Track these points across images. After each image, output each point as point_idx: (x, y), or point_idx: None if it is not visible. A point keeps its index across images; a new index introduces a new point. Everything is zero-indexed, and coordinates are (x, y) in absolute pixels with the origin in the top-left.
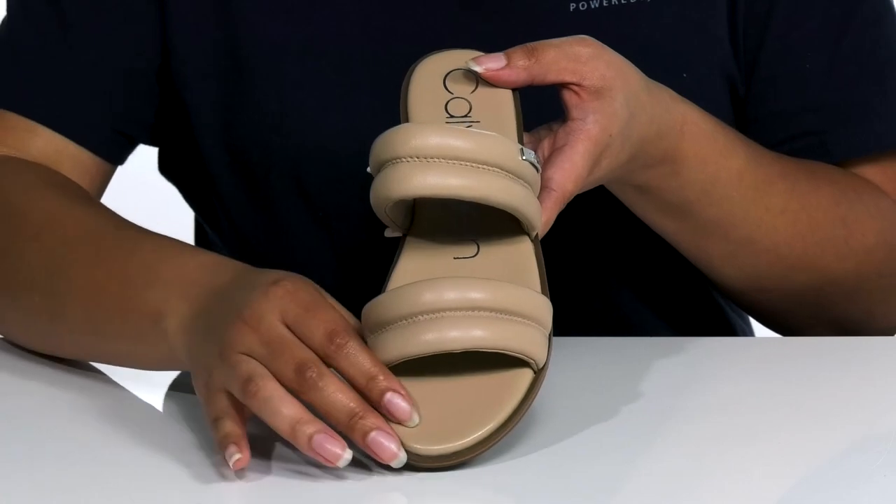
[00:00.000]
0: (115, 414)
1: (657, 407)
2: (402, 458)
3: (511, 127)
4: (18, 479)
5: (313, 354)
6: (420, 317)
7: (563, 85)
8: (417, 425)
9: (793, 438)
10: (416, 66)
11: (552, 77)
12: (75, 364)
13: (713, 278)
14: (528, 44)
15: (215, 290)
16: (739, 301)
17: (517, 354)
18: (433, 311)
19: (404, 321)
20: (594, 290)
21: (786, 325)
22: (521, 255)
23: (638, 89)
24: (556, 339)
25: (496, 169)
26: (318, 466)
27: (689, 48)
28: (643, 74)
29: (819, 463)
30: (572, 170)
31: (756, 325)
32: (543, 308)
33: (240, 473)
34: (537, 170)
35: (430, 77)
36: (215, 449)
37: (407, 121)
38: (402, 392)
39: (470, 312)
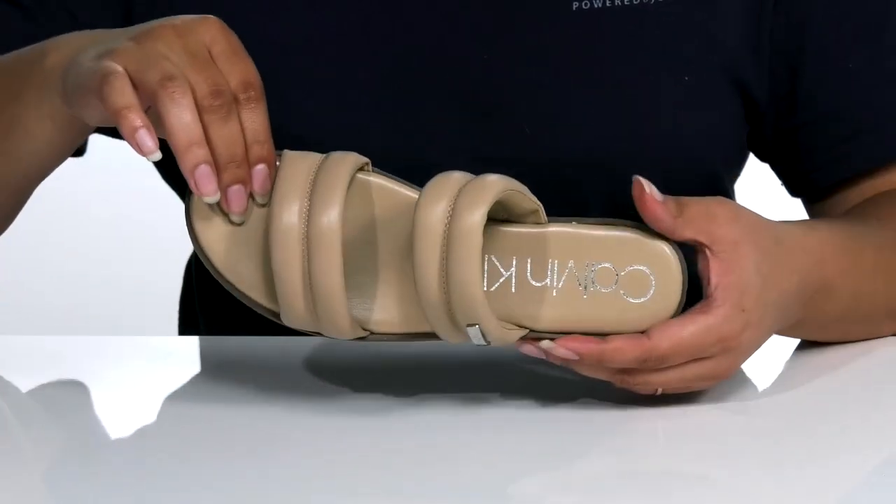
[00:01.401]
0: (109, 420)
1: (657, 406)
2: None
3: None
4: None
5: (230, 90)
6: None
7: (698, 247)
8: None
9: (793, 438)
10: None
11: (688, 234)
12: (71, 368)
13: (823, 340)
14: (679, 199)
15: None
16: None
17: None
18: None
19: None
20: None
21: None
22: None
23: (769, 245)
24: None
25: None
26: (311, 465)
27: (691, 50)
28: (773, 224)
29: (818, 462)
30: (675, 333)
31: None
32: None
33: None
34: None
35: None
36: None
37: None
38: (269, 175)
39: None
